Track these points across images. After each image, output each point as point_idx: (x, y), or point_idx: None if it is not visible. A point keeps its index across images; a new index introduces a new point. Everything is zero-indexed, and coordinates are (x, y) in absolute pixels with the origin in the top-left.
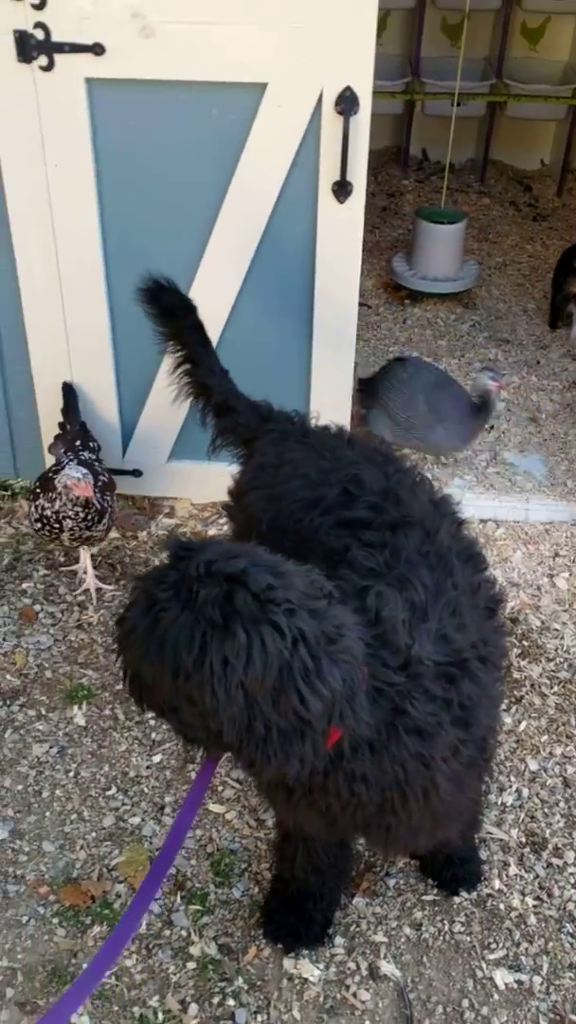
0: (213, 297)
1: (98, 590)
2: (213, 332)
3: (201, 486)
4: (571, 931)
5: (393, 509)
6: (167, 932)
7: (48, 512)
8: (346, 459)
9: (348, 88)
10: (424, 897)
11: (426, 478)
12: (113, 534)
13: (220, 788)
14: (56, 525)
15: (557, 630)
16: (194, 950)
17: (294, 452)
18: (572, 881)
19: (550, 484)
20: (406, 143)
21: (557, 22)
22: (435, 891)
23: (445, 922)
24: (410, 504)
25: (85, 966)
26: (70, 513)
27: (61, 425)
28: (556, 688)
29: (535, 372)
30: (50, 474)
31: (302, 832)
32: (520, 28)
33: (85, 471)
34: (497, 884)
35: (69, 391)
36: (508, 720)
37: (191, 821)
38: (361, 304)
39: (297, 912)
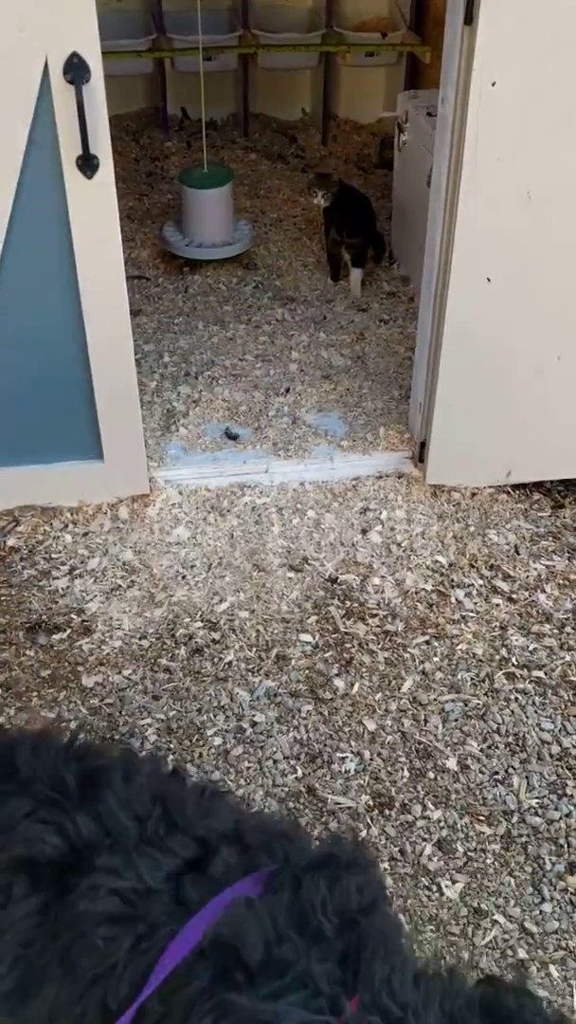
0: None
1: None
2: None
3: None
4: (427, 884)
5: None
6: None
7: None
8: None
9: (75, 54)
10: None
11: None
12: None
13: None
14: None
15: (377, 584)
16: None
17: None
18: (422, 835)
19: (351, 440)
20: (163, 103)
21: None
22: None
23: None
24: None
25: None
26: None
27: None
28: (384, 643)
29: (323, 328)
30: None
31: None
32: None
33: None
34: None
35: None
36: (340, 684)
37: None
38: (138, 277)
39: None
